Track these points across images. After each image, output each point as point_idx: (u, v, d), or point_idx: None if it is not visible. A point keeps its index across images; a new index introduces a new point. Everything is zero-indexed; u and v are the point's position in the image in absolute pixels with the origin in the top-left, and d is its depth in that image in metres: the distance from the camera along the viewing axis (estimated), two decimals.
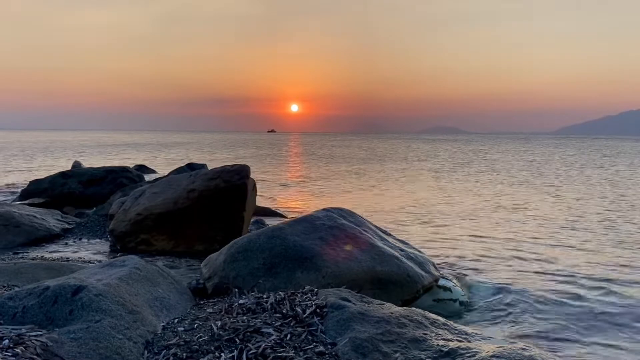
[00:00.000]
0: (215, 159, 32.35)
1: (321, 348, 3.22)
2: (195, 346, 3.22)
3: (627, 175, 23.18)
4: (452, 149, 54.05)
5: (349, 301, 3.79)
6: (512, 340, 3.78)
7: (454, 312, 5.21)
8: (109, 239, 7.96)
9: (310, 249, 5.03)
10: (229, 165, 8.01)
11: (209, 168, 9.75)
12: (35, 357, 2.76)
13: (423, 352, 3.19)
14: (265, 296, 4.01)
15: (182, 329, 3.57)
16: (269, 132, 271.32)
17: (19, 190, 12.94)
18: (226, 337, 3.29)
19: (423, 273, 5.34)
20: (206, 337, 3.33)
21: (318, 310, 3.66)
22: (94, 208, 10.44)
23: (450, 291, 5.56)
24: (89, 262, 6.37)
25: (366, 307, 3.70)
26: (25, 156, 33.69)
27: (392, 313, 3.63)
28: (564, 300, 5.67)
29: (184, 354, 3.13)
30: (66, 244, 7.89)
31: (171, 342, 3.31)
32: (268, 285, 4.66)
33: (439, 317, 3.82)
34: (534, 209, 12.60)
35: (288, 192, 16.51)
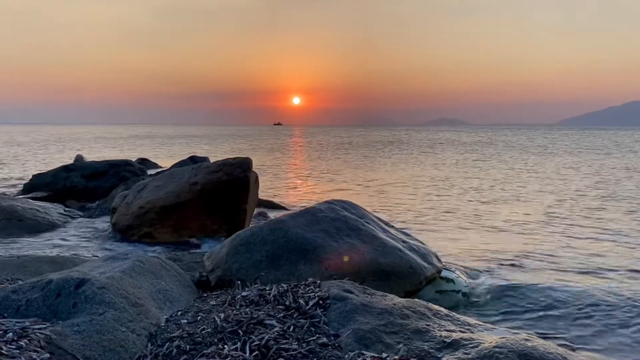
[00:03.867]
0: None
1: (324, 339, 3.22)
2: (199, 338, 3.23)
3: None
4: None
5: (352, 293, 3.79)
6: (514, 331, 3.78)
7: (456, 303, 5.21)
8: (112, 232, 7.97)
9: (313, 241, 5.04)
10: (231, 158, 8.01)
11: (212, 161, 9.75)
12: (39, 349, 2.77)
13: (426, 343, 3.20)
14: (268, 288, 4.02)
15: (186, 321, 3.58)
16: (275, 124, 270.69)
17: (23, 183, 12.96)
18: (229, 329, 3.29)
19: (425, 264, 5.34)
20: (209, 329, 3.33)
21: (321, 302, 3.66)
22: (97, 201, 10.47)
23: (453, 282, 5.56)
24: (92, 255, 6.38)
25: (369, 299, 3.70)
26: (30, 150, 33.75)
27: (394, 304, 3.63)
28: (568, 292, 5.66)
29: (188, 346, 3.14)
30: (69, 237, 7.91)
31: (174, 334, 3.32)
32: (271, 278, 4.67)
33: (442, 308, 3.82)
34: (543, 201, 12.58)
35: (291, 185, 16.51)
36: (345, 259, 4.97)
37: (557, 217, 10.28)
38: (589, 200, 12.59)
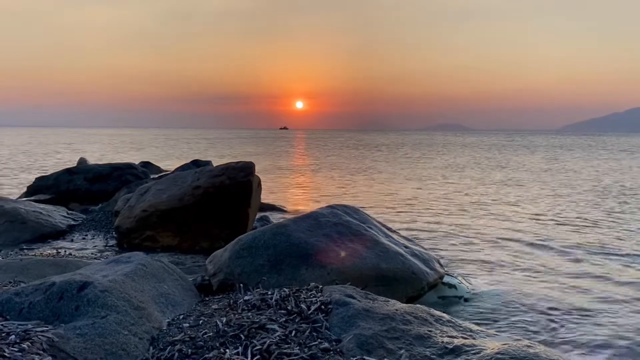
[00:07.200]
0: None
1: (326, 344, 3.22)
2: (201, 342, 3.23)
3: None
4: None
5: (354, 298, 3.79)
6: (517, 338, 3.77)
7: (459, 309, 5.20)
8: (115, 235, 7.99)
9: (315, 246, 5.04)
10: (233, 162, 8.03)
11: (215, 165, 9.76)
12: (41, 352, 2.77)
13: (428, 349, 3.19)
14: (270, 293, 4.02)
15: (188, 325, 3.58)
16: (281, 129, 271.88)
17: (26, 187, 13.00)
18: (231, 334, 3.30)
19: (428, 270, 5.34)
20: (211, 333, 3.33)
21: (323, 306, 3.66)
22: (100, 204, 10.48)
23: (456, 288, 5.55)
24: (95, 258, 6.39)
25: (371, 304, 3.70)
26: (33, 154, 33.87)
27: (396, 310, 3.63)
28: (572, 298, 5.65)
29: (189, 350, 3.14)
30: (72, 240, 7.92)
31: (176, 338, 3.32)
32: (273, 282, 4.67)
33: (444, 314, 3.82)
34: (547, 209, 12.56)
35: (294, 189, 16.52)
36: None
37: (566, 223, 10.26)
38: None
